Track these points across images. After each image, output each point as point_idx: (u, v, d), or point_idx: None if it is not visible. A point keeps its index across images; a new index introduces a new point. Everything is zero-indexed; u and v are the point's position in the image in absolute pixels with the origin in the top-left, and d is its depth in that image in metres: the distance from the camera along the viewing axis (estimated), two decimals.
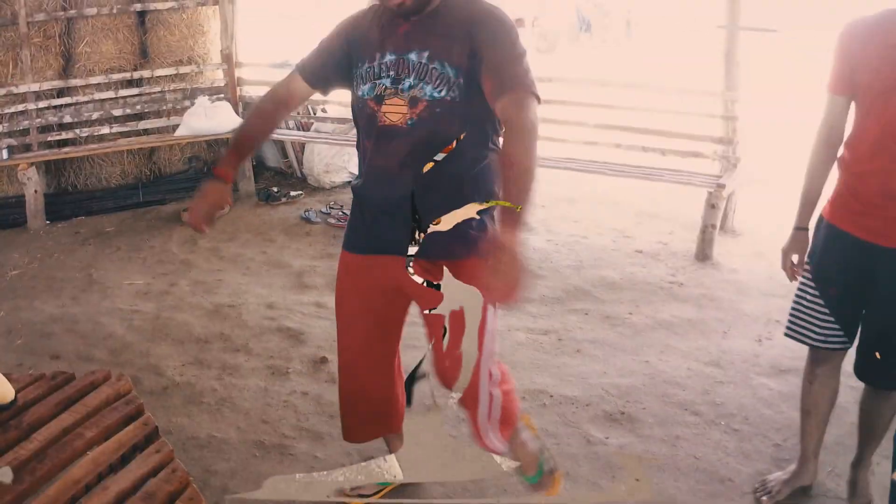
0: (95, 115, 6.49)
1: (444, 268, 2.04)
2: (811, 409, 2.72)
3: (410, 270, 2.24)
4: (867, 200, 2.42)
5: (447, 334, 2.28)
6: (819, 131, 2.53)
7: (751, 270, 4.82)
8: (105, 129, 6.51)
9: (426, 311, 2.34)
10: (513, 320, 4.11)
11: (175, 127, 6.57)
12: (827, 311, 2.56)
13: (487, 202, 2.17)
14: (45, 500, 1.85)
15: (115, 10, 6.47)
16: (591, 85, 6.19)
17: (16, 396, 2.27)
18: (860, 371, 2.64)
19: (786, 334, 2.72)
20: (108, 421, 2.16)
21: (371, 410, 2.61)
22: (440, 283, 2.05)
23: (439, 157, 2.19)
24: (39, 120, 6.32)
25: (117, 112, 6.55)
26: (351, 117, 2.46)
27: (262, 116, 2.49)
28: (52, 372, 2.48)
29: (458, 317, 2.16)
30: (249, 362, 3.76)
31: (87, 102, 6.48)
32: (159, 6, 6.62)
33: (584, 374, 3.60)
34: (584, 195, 6.39)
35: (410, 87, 2.17)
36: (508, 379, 2.48)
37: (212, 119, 6.34)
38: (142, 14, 6.74)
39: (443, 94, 2.13)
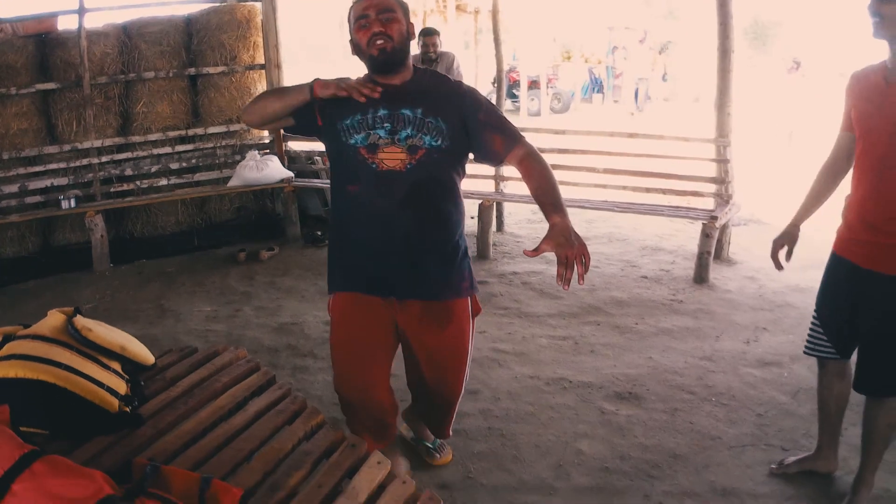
0: (154, 169, 7.22)
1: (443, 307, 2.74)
2: (821, 406, 3.09)
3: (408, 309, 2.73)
4: (853, 228, 2.76)
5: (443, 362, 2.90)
6: (826, 159, 2.95)
7: (743, 290, 5.46)
8: (163, 181, 7.24)
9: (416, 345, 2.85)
10: (536, 329, 4.80)
11: (226, 179, 7.29)
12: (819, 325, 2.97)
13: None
14: (200, 419, 2.48)
15: (170, 74, 7.28)
16: (600, 136, 6.90)
17: (155, 361, 2.94)
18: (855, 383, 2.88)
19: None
20: (237, 372, 2.81)
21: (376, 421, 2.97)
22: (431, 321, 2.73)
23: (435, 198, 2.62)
24: (102, 173, 7.05)
25: (174, 165, 7.29)
26: None
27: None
28: (178, 347, 3.15)
29: (459, 348, 2.87)
30: (316, 364, 4.41)
31: (146, 157, 7.22)
32: (210, 70, 7.41)
33: (598, 366, 4.26)
34: (597, 235, 7.12)
35: (407, 136, 2.53)
36: None
37: (262, 171, 7.06)
38: (194, 78, 7.55)
39: (439, 142, 2.54)
